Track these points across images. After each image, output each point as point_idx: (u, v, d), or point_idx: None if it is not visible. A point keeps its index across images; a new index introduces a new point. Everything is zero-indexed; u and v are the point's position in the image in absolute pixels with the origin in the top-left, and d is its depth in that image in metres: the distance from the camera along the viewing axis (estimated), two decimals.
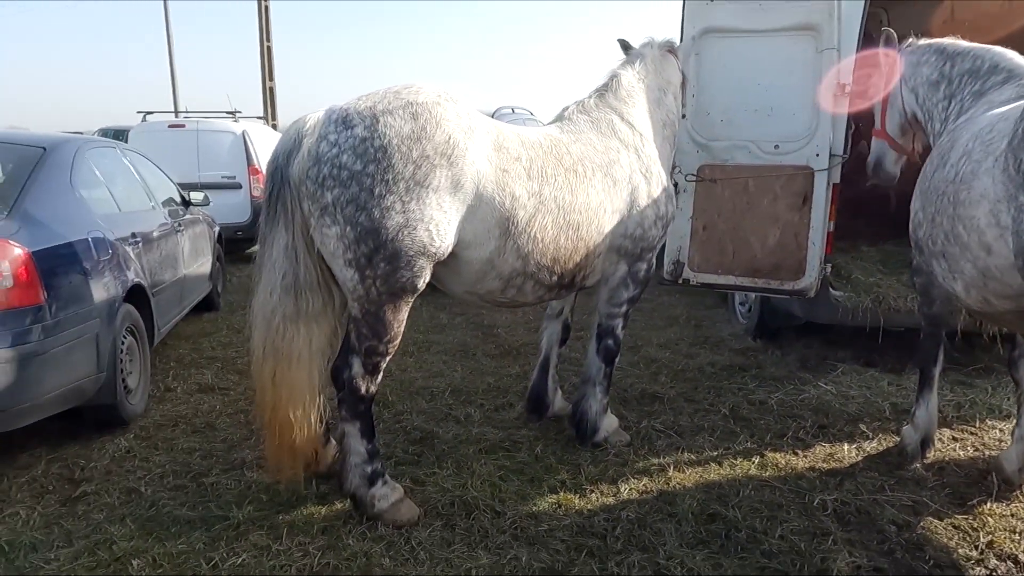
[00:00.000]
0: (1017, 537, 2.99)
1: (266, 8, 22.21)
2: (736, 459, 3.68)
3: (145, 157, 6.03)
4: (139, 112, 9.62)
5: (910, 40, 3.87)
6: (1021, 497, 3.31)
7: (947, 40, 3.72)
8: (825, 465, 3.65)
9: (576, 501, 3.27)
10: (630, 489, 3.39)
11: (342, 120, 2.77)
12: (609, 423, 3.88)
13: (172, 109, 19.09)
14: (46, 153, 4.14)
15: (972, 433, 4.04)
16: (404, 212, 2.74)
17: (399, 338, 3.02)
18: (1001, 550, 2.90)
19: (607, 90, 3.82)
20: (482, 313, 6.54)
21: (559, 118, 3.74)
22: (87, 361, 3.71)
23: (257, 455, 3.74)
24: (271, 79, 22.81)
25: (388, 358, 3.04)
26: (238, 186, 9.28)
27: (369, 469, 3.06)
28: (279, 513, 3.17)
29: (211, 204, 8.90)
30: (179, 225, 5.75)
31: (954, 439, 3.96)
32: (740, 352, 5.43)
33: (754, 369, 5.05)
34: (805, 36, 4.44)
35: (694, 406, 4.42)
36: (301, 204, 2.82)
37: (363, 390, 3.01)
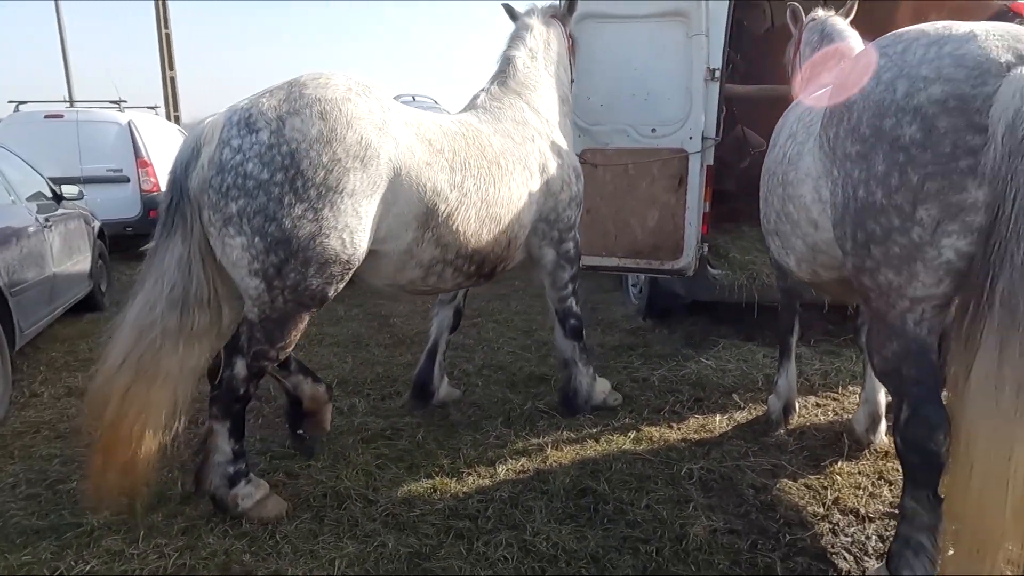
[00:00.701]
0: (861, 493, 3.19)
1: (167, 36, 21.15)
2: (613, 435, 3.78)
3: (6, 149, 5.62)
4: (11, 102, 8.96)
5: (811, 14, 3.96)
6: (868, 456, 3.53)
7: (834, 18, 3.81)
8: (696, 436, 3.79)
9: (452, 485, 3.28)
10: (507, 470, 3.42)
11: (245, 123, 2.61)
12: (601, 387, 4.08)
13: (67, 99, 17.97)
14: None
15: (834, 399, 4.29)
16: (316, 220, 2.63)
17: (292, 345, 2.95)
18: (845, 505, 3.09)
19: (506, 76, 3.83)
20: (380, 304, 6.46)
21: (471, 106, 3.72)
22: None
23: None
24: (171, 68, 21.76)
25: (273, 364, 2.97)
26: (125, 179, 8.80)
27: (232, 469, 2.95)
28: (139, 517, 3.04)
29: (97, 199, 8.57)
30: (47, 221, 5.40)
31: (818, 405, 4.20)
32: (630, 332, 5.57)
33: (641, 348, 5.19)
34: (675, 22, 4.57)
35: None
36: (201, 215, 2.66)
37: (242, 391, 2.90)
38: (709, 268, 4.91)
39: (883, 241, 2.13)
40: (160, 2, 20.97)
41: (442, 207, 3.05)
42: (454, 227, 3.13)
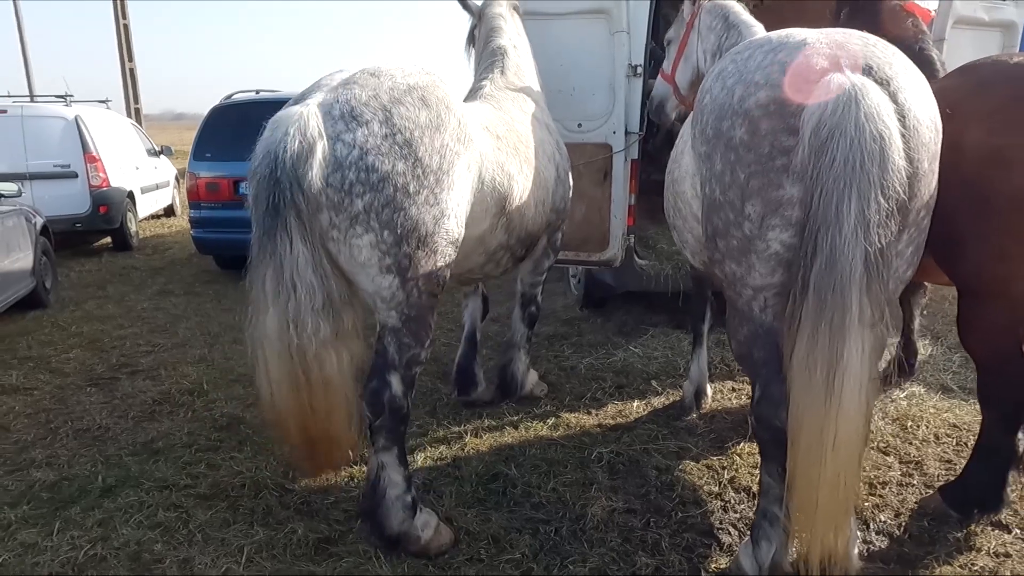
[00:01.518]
0: (756, 472, 3.36)
1: (126, 26, 20.79)
2: (532, 422, 3.91)
3: None
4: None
5: None
6: None
7: (735, 6, 3.82)
8: (612, 421, 3.94)
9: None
10: (425, 457, 3.55)
11: (351, 116, 2.43)
12: (532, 378, 4.21)
13: (27, 94, 17.58)
14: None
15: (749, 384, 4.46)
16: (438, 204, 2.57)
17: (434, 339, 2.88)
18: (740, 484, 3.26)
19: (504, 67, 3.79)
20: None
21: (478, 96, 3.61)
22: None
23: (49, 454, 3.64)
24: (131, 60, 21.42)
25: (424, 365, 2.85)
26: (74, 175, 8.71)
27: (409, 498, 2.77)
28: (58, 510, 3.11)
29: (45, 196, 8.50)
30: None
31: (733, 390, 4.37)
32: (566, 322, 5.72)
33: (574, 337, 5.34)
34: (598, 19, 4.68)
35: None
36: (320, 216, 2.44)
37: (406, 408, 2.73)
38: (636, 259, 5.06)
39: (724, 235, 2.28)
40: None
41: (516, 191, 3.10)
42: (521, 212, 3.21)
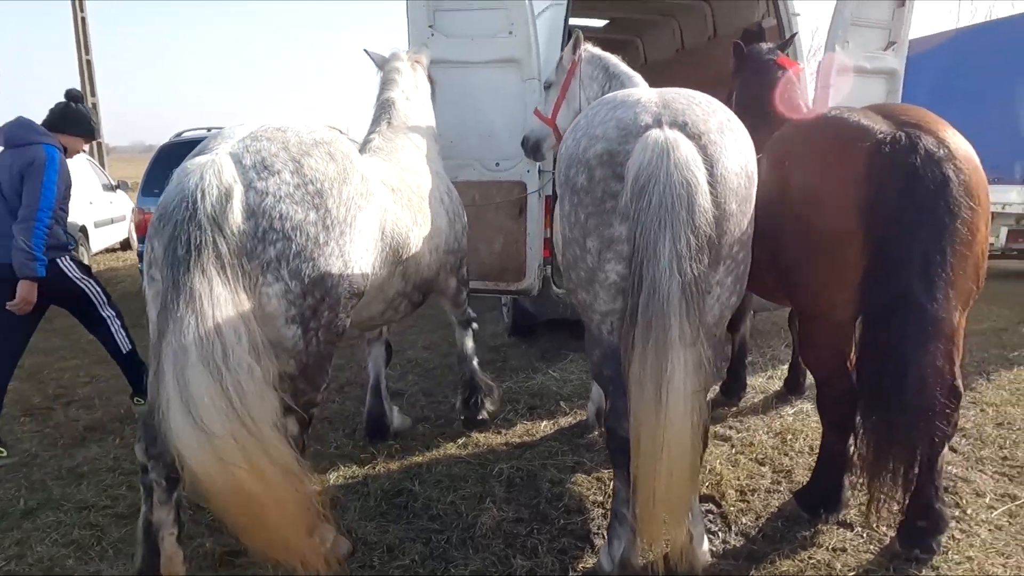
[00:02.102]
0: None
1: (83, 19, 20.99)
2: (443, 441, 4.17)
3: None
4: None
5: (585, 45, 4.22)
6: None
7: (612, 58, 4.19)
8: (518, 440, 4.23)
9: None
10: (337, 476, 3.78)
11: (262, 165, 2.46)
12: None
13: None
14: None
15: None
16: (343, 256, 2.65)
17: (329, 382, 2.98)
18: None
19: (391, 117, 3.99)
20: None
21: (367, 149, 3.74)
22: None
23: None
24: (93, 95, 21.53)
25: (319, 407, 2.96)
26: None
27: None
28: None
29: None
30: None
31: None
32: (494, 348, 6.02)
33: (499, 362, 5.64)
34: (511, 67, 5.07)
35: (430, 399, 4.91)
36: (241, 262, 2.40)
37: (301, 446, 2.80)
38: (553, 288, 5.39)
39: (574, 267, 2.62)
40: (80, 30, 20.82)
41: (411, 240, 3.27)
42: (416, 260, 3.37)
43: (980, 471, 3.74)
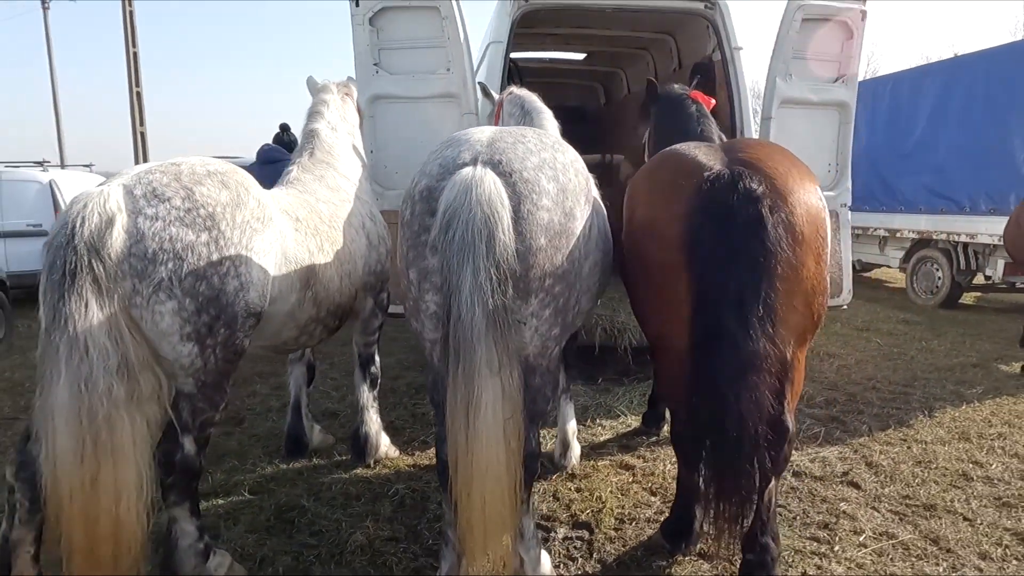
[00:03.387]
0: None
1: (135, 54, 22.39)
2: (352, 462, 4.32)
3: None
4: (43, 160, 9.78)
5: (511, 88, 4.48)
6: (557, 476, 4.09)
7: (530, 95, 4.38)
8: (427, 461, 4.35)
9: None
10: (242, 490, 3.97)
11: (152, 194, 2.64)
12: (384, 440, 4.42)
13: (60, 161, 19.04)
14: None
15: (585, 427, 4.85)
16: (238, 276, 2.80)
17: (228, 402, 3.06)
18: None
19: (313, 148, 4.19)
20: None
21: (286, 181, 3.89)
22: None
23: None
24: (142, 124, 22.86)
25: (217, 426, 3.07)
26: (44, 233, 9.50)
27: (202, 545, 2.99)
28: None
29: (20, 252, 9.30)
30: None
31: None
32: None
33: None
34: (450, 102, 5.28)
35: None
36: (123, 283, 2.56)
37: (197, 467, 2.92)
38: None
39: (405, 297, 2.76)
40: (132, 63, 22.21)
41: (318, 268, 3.35)
42: (327, 286, 3.51)
43: (872, 508, 3.68)
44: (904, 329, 7.99)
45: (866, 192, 10.83)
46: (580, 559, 3.27)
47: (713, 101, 4.52)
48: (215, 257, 2.70)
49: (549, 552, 3.29)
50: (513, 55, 8.21)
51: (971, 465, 4.22)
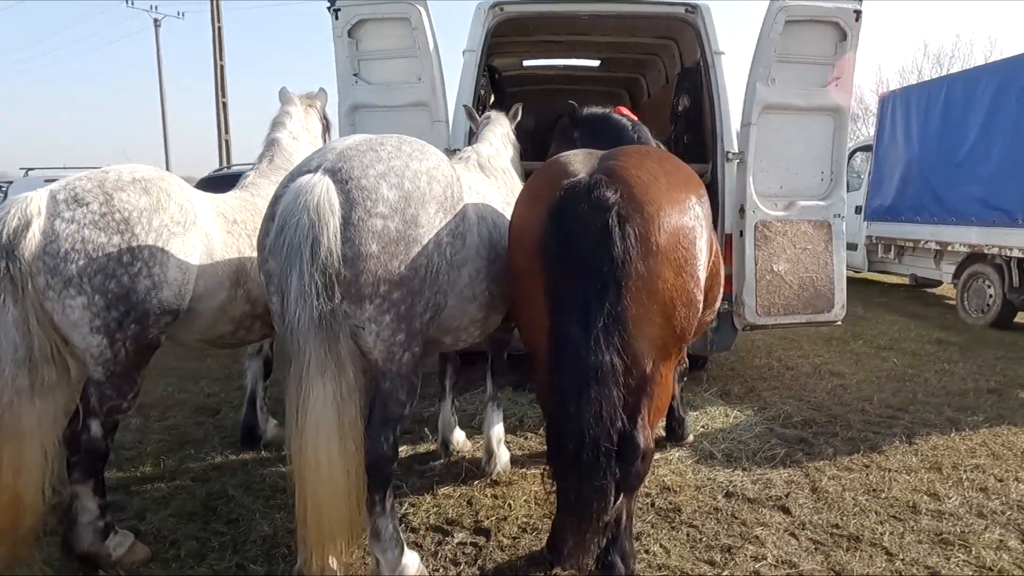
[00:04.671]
0: (416, 504, 3.78)
1: (221, 67, 23.92)
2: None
3: None
4: (21, 168, 10.74)
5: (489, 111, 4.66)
6: (457, 479, 4.10)
7: (493, 117, 4.49)
8: None
9: (120, 487, 4.08)
10: (183, 476, 4.21)
11: (73, 199, 2.88)
12: (272, 426, 4.74)
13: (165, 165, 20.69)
14: None
15: (522, 437, 4.83)
16: (151, 276, 2.98)
17: (140, 393, 3.25)
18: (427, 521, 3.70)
19: (273, 155, 4.41)
20: None
21: (242, 186, 4.08)
22: None
23: None
24: (227, 132, 24.38)
25: (127, 414, 3.24)
26: None
27: (102, 523, 3.19)
28: None
29: None
30: None
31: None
32: None
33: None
34: (422, 111, 5.40)
35: None
36: (34, 280, 2.82)
37: (102, 449, 3.13)
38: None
39: (268, 300, 2.87)
40: (219, 74, 23.75)
41: (248, 265, 3.42)
42: (260, 283, 3.61)
43: (791, 535, 3.49)
44: (932, 349, 7.42)
45: (917, 203, 10.16)
46: (464, 564, 3.28)
47: (635, 117, 4.41)
48: (126, 258, 2.89)
49: (436, 556, 3.35)
50: (526, 62, 8.34)
51: (926, 497, 3.91)
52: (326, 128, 4.96)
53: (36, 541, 2.99)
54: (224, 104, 24.41)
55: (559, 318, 2.66)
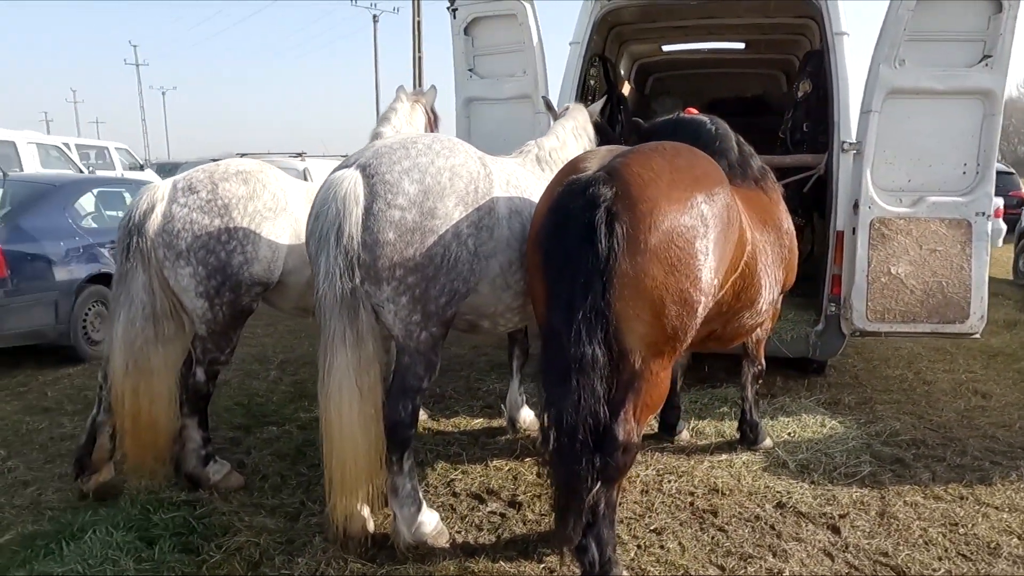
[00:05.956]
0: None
1: (419, 58, 25.85)
2: None
3: None
4: (237, 154, 12.58)
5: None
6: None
7: (573, 109, 4.63)
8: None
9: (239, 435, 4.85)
10: (284, 427, 4.89)
11: (188, 187, 3.56)
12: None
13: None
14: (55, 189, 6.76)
15: None
16: (244, 252, 3.56)
17: (235, 348, 3.87)
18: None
19: None
20: None
21: None
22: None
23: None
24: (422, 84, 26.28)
25: (226, 365, 3.93)
26: None
27: (203, 452, 3.85)
28: None
29: None
30: None
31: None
32: None
33: None
34: (525, 103, 5.63)
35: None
36: (156, 252, 3.52)
37: (205, 391, 3.80)
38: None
39: None
40: (416, 66, 25.69)
41: None
42: None
43: (828, 556, 3.28)
44: None
45: None
46: (486, 530, 3.54)
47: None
48: (223, 237, 3.53)
49: (463, 520, 3.64)
50: (665, 47, 8.17)
51: (1016, 540, 3.42)
52: (432, 121, 5.37)
53: (165, 459, 3.77)
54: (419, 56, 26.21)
55: (549, 309, 2.80)
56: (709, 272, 2.80)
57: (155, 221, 3.53)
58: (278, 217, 3.72)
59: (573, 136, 4.35)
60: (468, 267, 3.13)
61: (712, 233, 2.80)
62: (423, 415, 5.06)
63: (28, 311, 6.01)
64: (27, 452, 4.50)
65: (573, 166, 3.05)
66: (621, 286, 2.67)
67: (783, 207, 4.03)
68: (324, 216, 2.97)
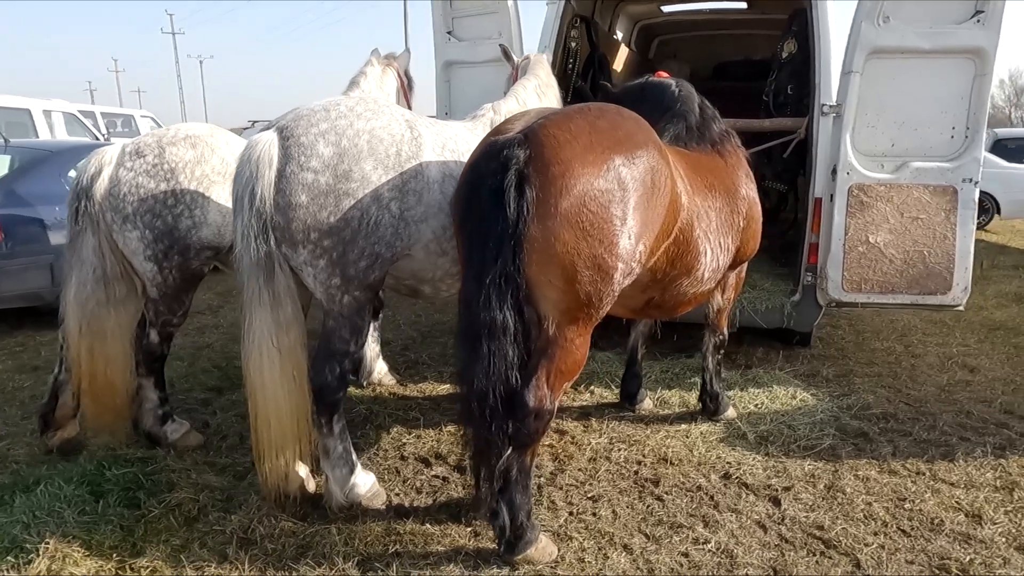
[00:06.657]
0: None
1: None
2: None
3: None
4: (249, 120, 12.74)
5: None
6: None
7: (533, 61, 4.58)
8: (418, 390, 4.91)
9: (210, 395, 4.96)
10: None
11: (135, 152, 3.58)
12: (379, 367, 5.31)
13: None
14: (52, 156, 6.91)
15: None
16: (191, 216, 3.60)
17: (188, 311, 3.93)
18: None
19: None
20: None
21: None
22: None
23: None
24: None
25: (179, 327, 3.97)
26: None
27: (161, 411, 3.95)
28: None
29: None
30: None
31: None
32: None
33: None
34: (501, 66, 5.47)
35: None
36: (105, 216, 3.56)
37: (159, 353, 3.88)
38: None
39: None
40: None
41: None
42: None
43: (759, 526, 3.24)
44: None
45: None
46: (425, 494, 3.57)
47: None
48: (170, 201, 3.56)
49: (405, 482, 3.68)
50: (665, 8, 7.91)
51: (963, 517, 3.32)
52: (404, 86, 5.31)
53: (125, 417, 3.89)
54: None
55: (464, 273, 2.77)
56: (628, 238, 2.73)
57: (102, 185, 3.57)
58: (227, 181, 3.71)
59: (536, 96, 4.26)
60: (392, 231, 3.11)
61: (632, 197, 2.72)
62: (391, 380, 5.11)
63: (24, 274, 6.20)
64: (6, 408, 4.69)
65: (500, 127, 2.99)
66: (532, 251, 2.63)
67: (743, 172, 3.90)
68: (239, 179, 2.97)
